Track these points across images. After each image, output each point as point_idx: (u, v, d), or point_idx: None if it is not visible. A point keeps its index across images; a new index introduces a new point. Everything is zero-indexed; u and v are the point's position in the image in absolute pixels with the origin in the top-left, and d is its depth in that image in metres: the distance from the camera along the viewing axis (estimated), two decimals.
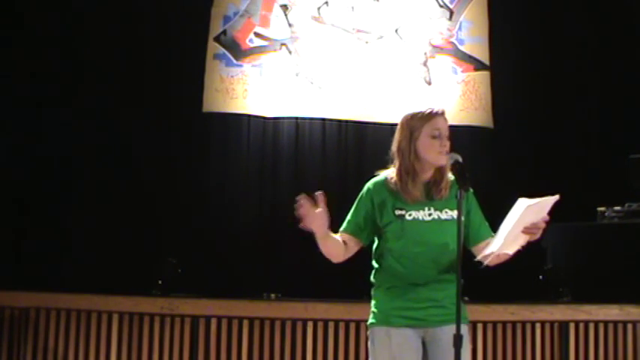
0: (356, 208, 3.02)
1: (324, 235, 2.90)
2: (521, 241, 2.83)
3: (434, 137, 2.92)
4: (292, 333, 5.01)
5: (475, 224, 2.99)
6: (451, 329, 2.72)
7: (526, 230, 2.79)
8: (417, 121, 2.96)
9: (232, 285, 6.04)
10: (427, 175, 2.96)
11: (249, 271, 6.40)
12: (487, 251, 2.82)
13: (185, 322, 5.01)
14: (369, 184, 3.03)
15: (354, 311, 5.04)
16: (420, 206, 2.92)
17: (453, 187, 2.93)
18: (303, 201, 2.81)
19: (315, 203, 2.83)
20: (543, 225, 2.80)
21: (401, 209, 2.91)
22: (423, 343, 2.92)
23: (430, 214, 2.91)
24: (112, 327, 5.00)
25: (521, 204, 2.72)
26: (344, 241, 3.00)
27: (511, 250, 2.85)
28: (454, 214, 2.87)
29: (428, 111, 2.96)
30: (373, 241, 3.05)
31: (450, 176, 2.95)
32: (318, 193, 2.84)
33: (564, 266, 5.68)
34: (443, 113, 2.97)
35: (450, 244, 2.86)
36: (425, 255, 2.89)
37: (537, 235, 2.82)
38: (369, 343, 3.01)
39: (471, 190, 2.98)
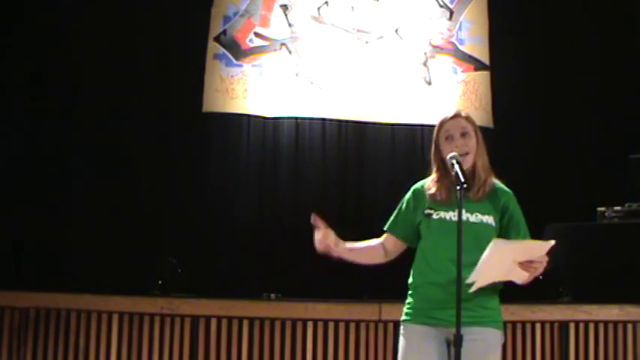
0: (399, 211, 3.14)
1: (341, 251, 3.04)
2: (520, 275, 2.83)
3: (447, 139, 3.03)
4: (292, 333, 5.01)
5: (515, 232, 3.00)
6: (473, 332, 2.77)
7: (523, 267, 2.80)
8: (437, 127, 3.09)
9: (232, 285, 6.05)
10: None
11: (249, 271, 6.41)
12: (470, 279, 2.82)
13: (185, 322, 5.02)
14: (412, 187, 3.14)
15: (354, 311, 5.05)
16: (451, 207, 2.96)
17: (493, 193, 3.00)
18: (317, 238, 3.00)
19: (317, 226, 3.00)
20: (544, 264, 2.83)
21: (430, 209, 3.00)
22: (449, 343, 2.92)
23: None
24: (112, 327, 5.01)
25: (498, 244, 2.72)
26: (382, 243, 3.14)
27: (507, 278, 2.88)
28: (484, 218, 2.94)
29: (442, 117, 3.10)
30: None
31: (495, 181, 3.05)
32: (313, 217, 3.02)
33: (564, 266, 5.68)
34: (455, 116, 3.07)
35: (470, 247, 2.82)
36: (445, 254, 2.92)
37: (538, 272, 2.84)
38: (399, 338, 3.07)
39: (514, 196, 3.07)
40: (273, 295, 5.44)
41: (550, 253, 2.81)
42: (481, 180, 3.00)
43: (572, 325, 5.13)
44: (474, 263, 2.81)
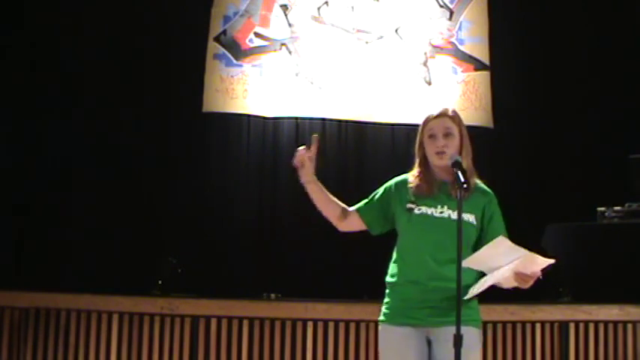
0: (374, 196, 3.13)
1: (309, 180, 3.04)
2: (508, 282, 2.83)
3: (430, 137, 3.02)
4: (292, 333, 5.01)
5: (494, 232, 2.98)
6: (452, 330, 2.75)
7: (517, 278, 2.79)
8: (421, 125, 3.08)
9: (232, 285, 6.04)
10: (443, 174, 3.00)
11: (249, 271, 6.41)
12: (477, 289, 2.82)
13: (185, 322, 5.01)
14: (394, 179, 3.12)
15: (354, 311, 5.04)
16: (433, 203, 2.97)
17: (475, 192, 2.99)
18: (300, 150, 2.99)
19: (310, 148, 3.01)
20: (535, 279, 2.81)
21: (413, 203, 2.98)
22: (430, 342, 2.94)
23: (442, 212, 2.95)
24: (112, 327, 5.00)
25: (504, 244, 2.73)
26: (346, 210, 3.11)
27: (506, 285, 2.88)
28: (466, 216, 2.91)
29: (427, 115, 3.07)
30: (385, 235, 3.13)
31: (477, 181, 3.04)
32: (314, 136, 3.03)
33: (564, 266, 5.68)
34: (440, 115, 3.03)
35: (451, 245, 2.85)
36: (424, 251, 2.92)
37: (527, 285, 2.83)
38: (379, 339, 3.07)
39: (495, 197, 3.05)
40: (273, 295, 5.44)
41: (545, 269, 2.79)
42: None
43: (572, 325, 5.13)
44: (455, 260, 2.81)
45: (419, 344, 2.92)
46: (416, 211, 2.96)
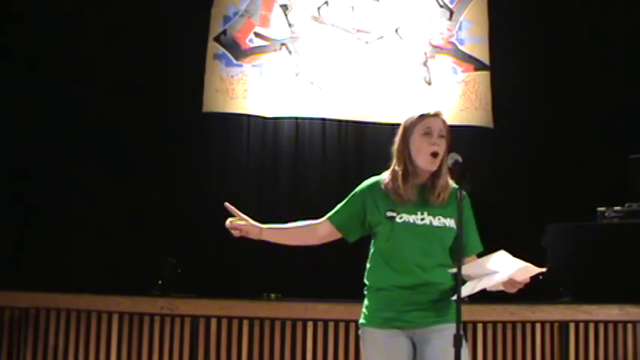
0: (347, 203, 3.05)
1: (259, 233, 3.15)
2: (498, 287, 2.84)
3: (425, 134, 2.93)
4: (292, 333, 5.01)
5: (468, 235, 2.95)
6: (439, 330, 2.82)
7: (507, 284, 2.79)
8: (411, 122, 2.98)
9: (232, 285, 6.04)
10: (422, 178, 2.95)
11: (249, 271, 6.40)
12: (468, 292, 2.81)
13: (185, 322, 5.02)
14: (365, 183, 3.03)
15: (354, 311, 4.99)
16: (413, 209, 2.90)
17: (452, 194, 2.92)
18: (230, 223, 3.10)
19: (232, 215, 3.09)
20: (522, 285, 2.81)
21: (392, 211, 2.90)
22: (414, 344, 2.93)
23: (423, 219, 2.89)
24: (112, 327, 5.00)
25: (504, 257, 2.75)
26: (314, 225, 3.10)
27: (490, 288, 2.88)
28: (447, 221, 2.89)
29: (421, 112, 2.99)
30: (363, 239, 3.08)
31: (451, 182, 2.95)
32: (226, 206, 3.12)
33: (564, 266, 5.68)
34: (437, 114, 2.98)
35: (435, 251, 2.88)
36: (409, 258, 2.88)
37: (514, 291, 2.83)
38: (360, 342, 3.03)
39: (468, 200, 2.98)
40: (273, 295, 5.44)
41: (535, 277, 2.79)
42: (444, 184, 2.92)
43: (572, 325, 5.13)
44: (440, 266, 2.85)
45: (406, 346, 2.90)
46: (397, 219, 2.88)
